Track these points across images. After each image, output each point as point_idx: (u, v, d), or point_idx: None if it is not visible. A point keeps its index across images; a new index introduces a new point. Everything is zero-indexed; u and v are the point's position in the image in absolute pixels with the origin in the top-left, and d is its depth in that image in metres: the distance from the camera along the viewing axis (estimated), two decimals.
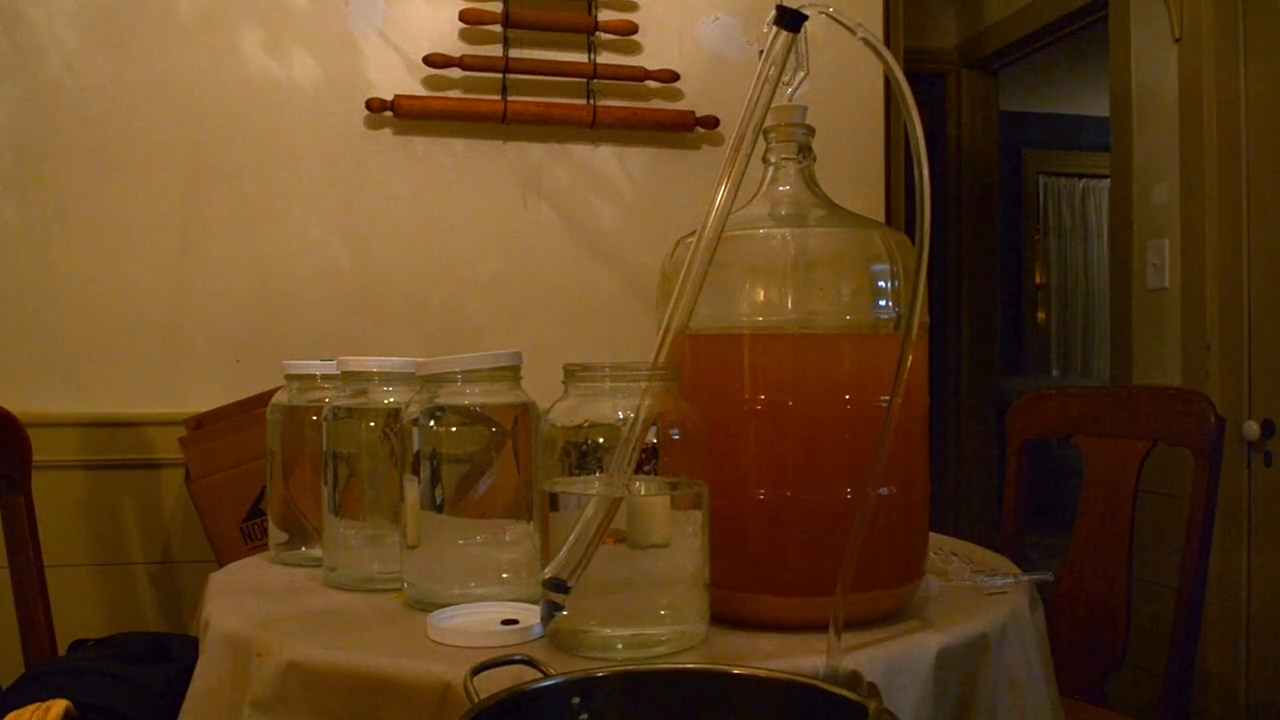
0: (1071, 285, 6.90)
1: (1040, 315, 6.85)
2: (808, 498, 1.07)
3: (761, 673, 0.85)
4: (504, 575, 1.22)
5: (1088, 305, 6.85)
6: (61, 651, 1.65)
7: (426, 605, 1.15)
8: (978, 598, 1.17)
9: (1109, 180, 3.17)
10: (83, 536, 2.16)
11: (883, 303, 1.11)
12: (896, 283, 1.11)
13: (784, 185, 1.18)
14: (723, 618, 1.07)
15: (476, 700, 0.81)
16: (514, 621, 1.09)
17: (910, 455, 1.11)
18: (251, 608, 1.20)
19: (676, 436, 1.04)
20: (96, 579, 2.16)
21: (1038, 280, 6.84)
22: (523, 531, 1.22)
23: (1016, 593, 1.18)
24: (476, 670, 0.86)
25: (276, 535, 1.48)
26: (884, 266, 1.11)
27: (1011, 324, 6.44)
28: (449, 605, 1.13)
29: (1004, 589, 1.19)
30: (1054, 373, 6.75)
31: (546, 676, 0.86)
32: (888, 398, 1.00)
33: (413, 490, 1.20)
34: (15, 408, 1.70)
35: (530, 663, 0.89)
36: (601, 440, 1.03)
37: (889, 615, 1.09)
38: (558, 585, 1.00)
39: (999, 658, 1.07)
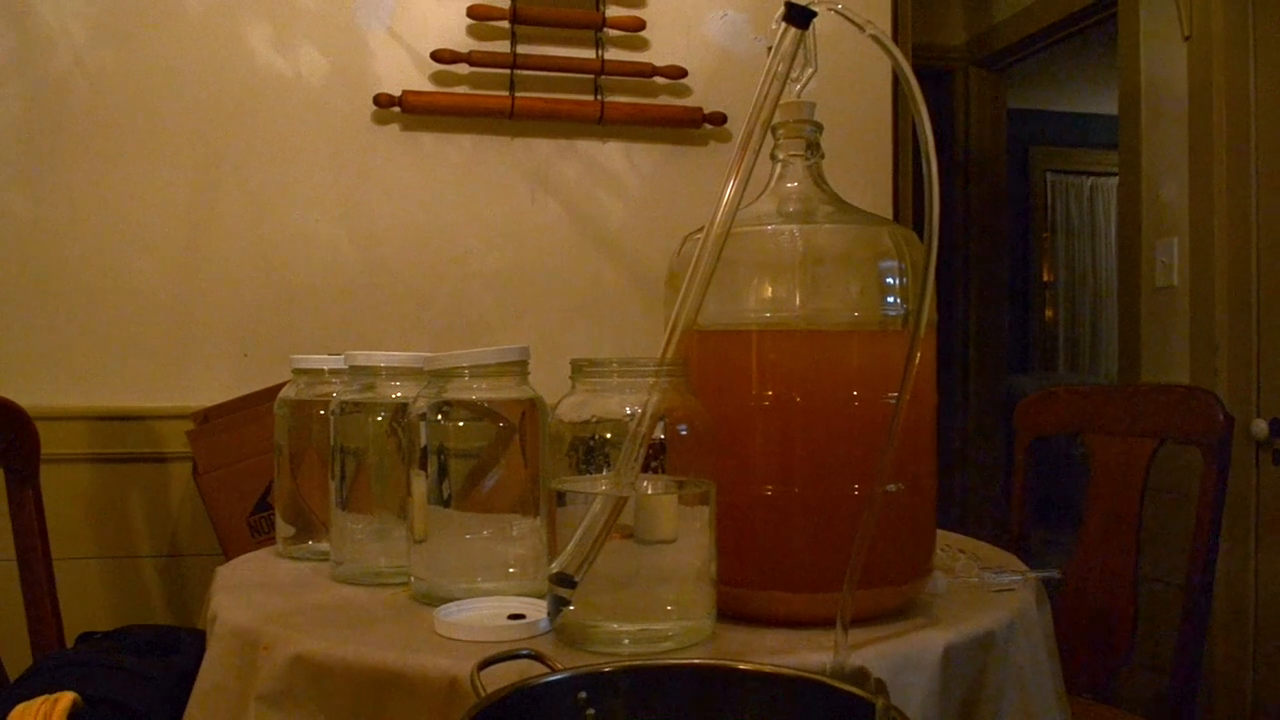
0: (1079, 283, 6.88)
1: (1048, 313, 6.83)
2: (815, 494, 1.07)
3: (768, 669, 0.85)
4: (511, 570, 1.22)
5: (1095, 303, 6.84)
6: (69, 644, 1.65)
7: (433, 599, 1.16)
8: (985, 595, 1.17)
9: (1117, 178, 3.16)
10: (90, 529, 2.16)
11: (891, 299, 1.11)
12: (905, 279, 1.10)
13: (792, 182, 1.18)
14: (729, 613, 1.07)
15: (483, 695, 0.81)
16: (521, 616, 1.09)
17: (918, 452, 1.11)
18: (258, 601, 1.20)
19: (684, 432, 1.04)
20: (104, 572, 2.17)
21: (1045, 278, 6.83)
22: (529, 526, 1.22)
23: (1024, 590, 1.18)
24: (483, 665, 0.86)
25: (283, 529, 1.48)
26: (892, 263, 1.11)
27: (1019, 322, 6.43)
28: (455, 600, 1.13)
29: (1011, 586, 1.19)
30: (1061, 370, 6.73)
31: (553, 671, 0.86)
32: (896, 394, 1.00)
33: (420, 485, 1.20)
34: (24, 400, 1.71)
35: (537, 657, 0.89)
36: (609, 436, 1.03)
37: (896, 612, 1.09)
38: (564, 580, 1.00)
39: (1006, 655, 1.06)
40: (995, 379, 4.46)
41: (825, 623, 0.98)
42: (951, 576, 1.20)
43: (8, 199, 2.15)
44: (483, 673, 0.85)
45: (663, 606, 1.02)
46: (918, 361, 0.97)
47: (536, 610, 1.09)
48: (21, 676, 1.41)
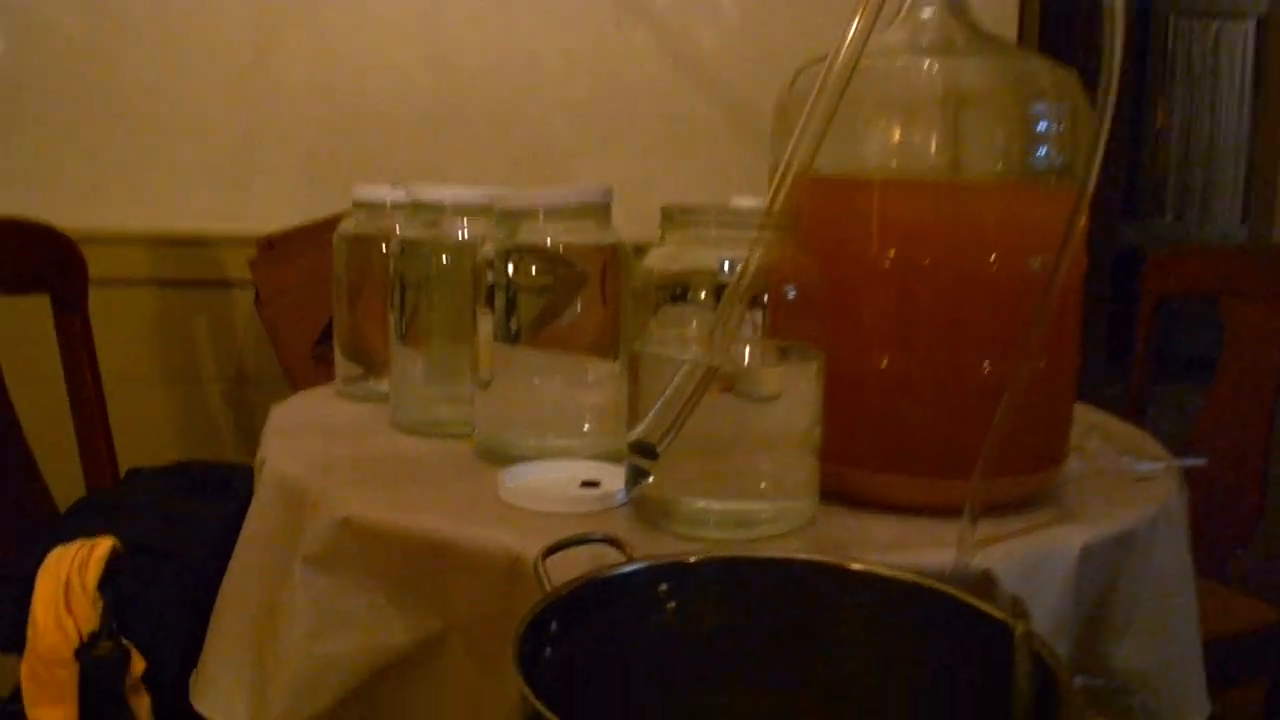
0: (1196, 130, 6.56)
1: (1159, 159, 6.54)
2: (939, 368, 0.93)
3: (885, 571, 0.73)
4: (585, 427, 1.10)
5: (1210, 153, 6.53)
6: (123, 474, 1.60)
7: (498, 456, 1.05)
8: (1123, 484, 1.04)
9: (1247, 24, 2.92)
10: (153, 355, 2.12)
11: (1042, 150, 0.96)
12: (1061, 125, 0.95)
13: (927, 10, 1.01)
14: (832, 495, 0.95)
15: (549, 587, 0.71)
16: (594, 484, 0.98)
17: (1063, 324, 0.96)
18: (310, 449, 1.11)
19: (791, 294, 0.90)
20: (168, 398, 2.13)
21: (1158, 124, 6.52)
22: (606, 371, 1.09)
23: (1168, 480, 1.05)
24: (549, 551, 0.76)
25: (343, 366, 1.39)
26: (1046, 106, 0.95)
27: (1128, 167, 6.16)
28: (523, 458, 1.02)
29: (1152, 475, 1.05)
30: (1168, 219, 6.48)
31: (630, 560, 0.75)
32: (1039, 258, 0.86)
33: (485, 324, 1.08)
34: (77, 223, 1.64)
35: (612, 542, 0.79)
36: (704, 294, 0.90)
37: (1024, 503, 0.96)
38: (645, 450, 0.88)
39: (1148, 554, 0.94)
40: (1108, 227, 4.25)
41: (940, 512, 0.87)
42: (1084, 461, 1.07)
43: (58, 14, 2.03)
44: (549, 559, 0.74)
45: (757, 482, 0.90)
46: (1082, 224, 0.82)
47: (612, 478, 0.98)
48: (65, 513, 1.36)
